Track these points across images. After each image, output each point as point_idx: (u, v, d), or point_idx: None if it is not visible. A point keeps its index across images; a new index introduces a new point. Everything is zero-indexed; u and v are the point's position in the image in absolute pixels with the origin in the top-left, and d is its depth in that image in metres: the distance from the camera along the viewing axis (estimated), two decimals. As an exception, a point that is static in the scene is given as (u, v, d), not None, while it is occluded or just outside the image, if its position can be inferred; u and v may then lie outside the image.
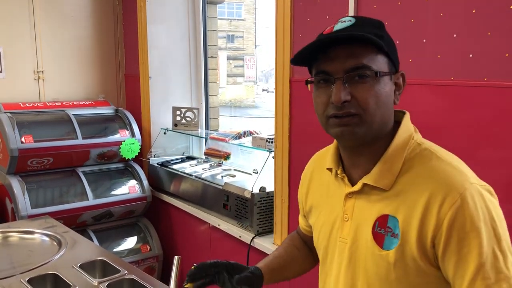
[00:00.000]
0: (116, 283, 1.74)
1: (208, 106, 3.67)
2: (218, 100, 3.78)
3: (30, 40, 3.43)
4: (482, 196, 0.90)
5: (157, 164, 3.38)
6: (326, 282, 1.13)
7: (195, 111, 3.43)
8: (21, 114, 3.13)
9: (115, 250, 3.26)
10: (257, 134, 2.86)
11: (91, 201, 3.14)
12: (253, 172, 2.80)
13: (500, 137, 1.47)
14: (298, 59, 1.01)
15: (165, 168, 3.30)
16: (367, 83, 0.94)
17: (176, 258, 1.33)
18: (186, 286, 1.34)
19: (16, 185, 2.96)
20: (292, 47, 2.19)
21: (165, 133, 3.50)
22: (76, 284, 1.70)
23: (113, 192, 3.32)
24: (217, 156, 3.16)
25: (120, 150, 3.36)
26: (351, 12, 1.89)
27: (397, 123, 1.03)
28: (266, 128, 2.96)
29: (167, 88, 3.56)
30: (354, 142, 0.99)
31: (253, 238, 2.48)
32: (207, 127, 3.66)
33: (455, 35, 1.57)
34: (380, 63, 0.96)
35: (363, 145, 1.00)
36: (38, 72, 3.48)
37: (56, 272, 1.80)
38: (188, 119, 3.42)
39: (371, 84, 0.95)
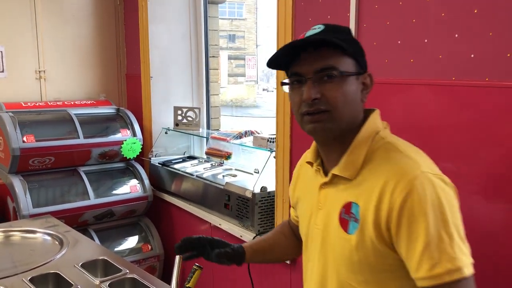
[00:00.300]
0: (118, 283, 1.74)
1: (209, 106, 3.67)
2: (219, 99, 3.78)
3: (31, 40, 3.43)
4: (432, 183, 0.97)
5: (159, 163, 3.38)
6: (308, 267, 1.22)
7: (196, 110, 3.43)
8: (23, 114, 3.13)
9: (116, 249, 3.26)
10: (258, 133, 2.85)
11: (93, 200, 3.15)
12: (254, 172, 2.80)
13: (501, 137, 1.47)
14: (274, 63, 1.11)
15: (166, 168, 3.30)
16: (334, 82, 1.04)
17: (177, 257, 1.33)
18: (187, 285, 1.35)
19: (17, 184, 2.96)
20: (294, 47, 2.19)
21: (166, 133, 3.50)
22: (77, 283, 1.70)
23: (114, 192, 3.32)
24: (218, 155, 3.16)
25: (121, 149, 3.36)
26: (352, 12, 1.89)
27: (367, 120, 1.11)
28: (267, 127, 2.96)
29: (168, 88, 3.56)
30: (325, 137, 1.10)
31: (254, 237, 2.48)
32: (208, 127, 3.66)
33: (456, 35, 1.57)
34: (346, 64, 1.06)
35: (334, 140, 1.10)
36: (39, 71, 3.49)
37: (57, 271, 1.80)
38: (189, 118, 3.43)
39: (338, 83, 1.04)
